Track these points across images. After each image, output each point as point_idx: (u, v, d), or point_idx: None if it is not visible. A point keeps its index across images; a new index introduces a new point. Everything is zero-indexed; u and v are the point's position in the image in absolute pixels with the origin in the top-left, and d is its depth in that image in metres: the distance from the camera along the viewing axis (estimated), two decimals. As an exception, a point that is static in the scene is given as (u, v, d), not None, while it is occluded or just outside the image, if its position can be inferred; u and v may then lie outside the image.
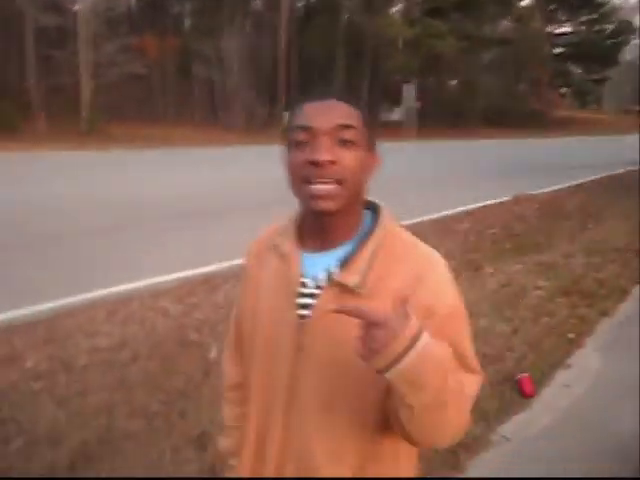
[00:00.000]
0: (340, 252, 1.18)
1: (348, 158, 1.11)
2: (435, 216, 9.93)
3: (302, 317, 1.18)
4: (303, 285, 1.19)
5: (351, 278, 1.13)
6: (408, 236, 1.23)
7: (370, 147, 1.19)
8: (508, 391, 3.79)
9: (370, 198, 1.26)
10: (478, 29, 50.96)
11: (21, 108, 28.88)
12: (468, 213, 10.39)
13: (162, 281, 6.06)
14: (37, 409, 3.48)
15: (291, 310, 1.19)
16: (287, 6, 44.32)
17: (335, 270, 1.15)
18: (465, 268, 6.58)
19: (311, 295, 1.18)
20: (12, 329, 4.72)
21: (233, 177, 16.39)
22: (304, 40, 43.76)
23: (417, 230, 8.86)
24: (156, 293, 5.66)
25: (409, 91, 43.07)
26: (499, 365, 4.14)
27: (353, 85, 45.62)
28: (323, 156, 1.08)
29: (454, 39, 46.89)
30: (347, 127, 1.12)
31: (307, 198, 1.13)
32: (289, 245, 1.24)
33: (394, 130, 42.25)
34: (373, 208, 1.25)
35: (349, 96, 1.18)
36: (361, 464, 1.17)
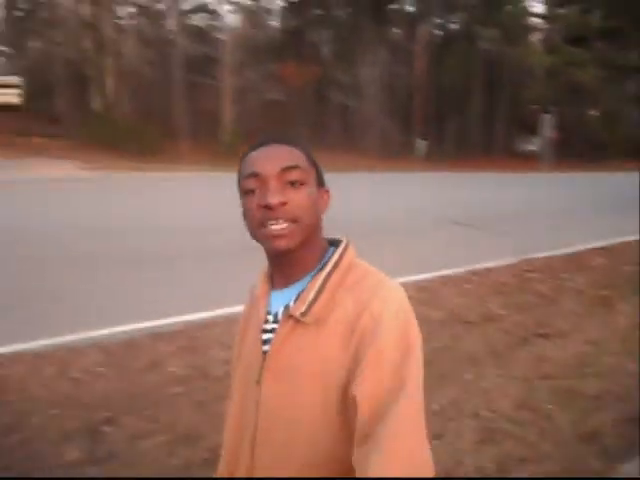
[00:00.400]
0: (299, 286, 1.21)
1: (298, 198, 1.15)
2: (568, 250, 9.71)
3: (265, 353, 1.21)
4: (267, 322, 1.24)
5: (299, 309, 1.16)
6: (364, 268, 1.23)
7: (319, 183, 1.25)
8: (634, 430, 3.76)
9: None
10: (622, 58, 48.83)
11: (166, 132, 30.55)
12: (603, 249, 10.03)
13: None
14: (176, 411, 3.79)
15: (257, 347, 1.24)
16: (424, 34, 44.57)
17: (291, 303, 1.19)
18: (595, 304, 6.44)
19: (272, 330, 1.22)
20: (157, 337, 5.15)
21: (375, 202, 16.84)
22: (441, 68, 43.65)
23: (547, 264, 8.63)
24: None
25: (546, 121, 42.03)
26: (626, 404, 4.09)
27: (489, 114, 45.03)
28: (274, 199, 1.12)
29: (596, 68, 45.22)
30: (293, 168, 1.16)
31: (265, 239, 1.17)
32: (260, 286, 1.31)
33: (531, 161, 41.31)
34: (337, 244, 1.27)
35: (290, 138, 1.24)
36: None
